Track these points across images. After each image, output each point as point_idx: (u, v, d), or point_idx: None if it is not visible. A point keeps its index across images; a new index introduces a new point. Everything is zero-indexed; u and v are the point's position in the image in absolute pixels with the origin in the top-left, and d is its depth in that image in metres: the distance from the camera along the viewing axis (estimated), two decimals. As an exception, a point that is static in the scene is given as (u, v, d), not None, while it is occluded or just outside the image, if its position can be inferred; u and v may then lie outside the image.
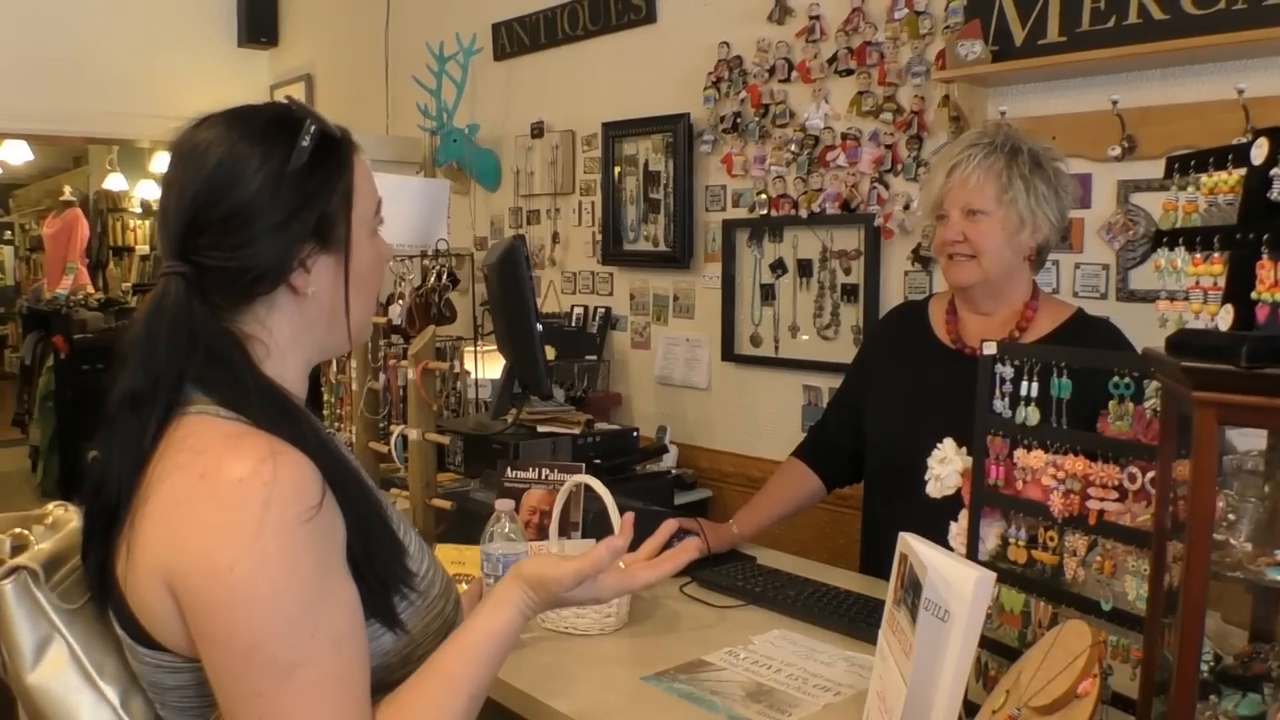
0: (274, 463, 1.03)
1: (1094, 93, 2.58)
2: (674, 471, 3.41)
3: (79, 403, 7.14)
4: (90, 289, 9.44)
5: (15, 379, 9.49)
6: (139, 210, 10.65)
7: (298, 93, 5.94)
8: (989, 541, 1.41)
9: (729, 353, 3.49)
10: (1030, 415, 1.32)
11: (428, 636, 1.23)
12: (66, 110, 5.81)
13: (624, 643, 1.80)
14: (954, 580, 1.18)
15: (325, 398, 2.62)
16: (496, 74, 4.42)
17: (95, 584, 1.16)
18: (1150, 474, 1.20)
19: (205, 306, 1.12)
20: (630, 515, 1.33)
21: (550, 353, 3.79)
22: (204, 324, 1.12)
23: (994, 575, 1.17)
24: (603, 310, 3.92)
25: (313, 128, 1.15)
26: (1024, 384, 1.32)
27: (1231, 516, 0.97)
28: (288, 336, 1.19)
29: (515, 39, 4.28)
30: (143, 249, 10.66)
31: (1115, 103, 2.48)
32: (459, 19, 4.46)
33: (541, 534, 2.01)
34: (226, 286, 1.14)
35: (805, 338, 3.27)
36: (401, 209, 2.65)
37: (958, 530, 1.45)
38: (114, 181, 9.97)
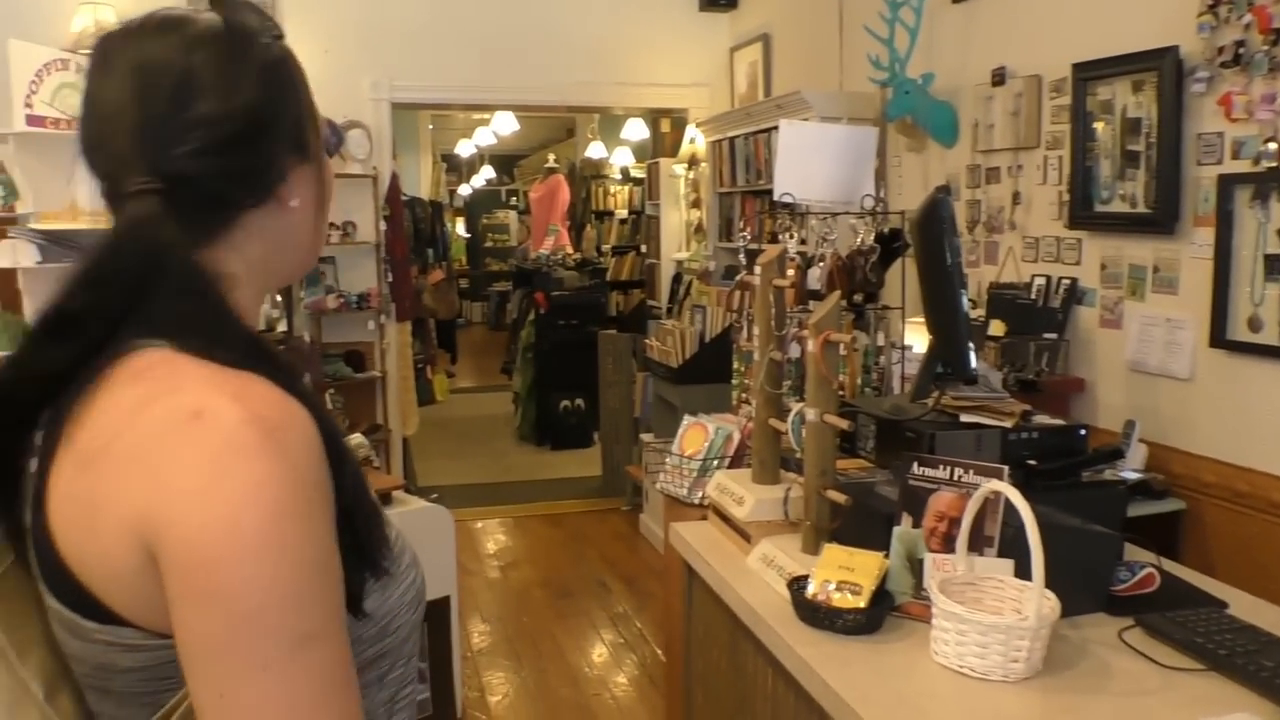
0: (280, 409, 0.87)
1: None
2: (1138, 476, 2.90)
3: (554, 354, 7.77)
4: (569, 249, 10.15)
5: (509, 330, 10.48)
6: (618, 176, 11.29)
7: (755, 53, 5.92)
8: None
9: (1219, 338, 2.90)
10: None
11: (403, 607, 1.02)
12: (544, 82, 6.34)
13: (1031, 698, 1.44)
14: None
15: (735, 365, 2.43)
16: (954, 17, 4.04)
17: (17, 549, 0.96)
18: None
19: (184, 233, 0.94)
20: None
21: (1000, 328, 3.40)
22: (181, 254, 0.93)
23: None
24: (1068, 282, 3.47)
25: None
26: None
27: None
28: (252, 262, 1.00)
29: (979, -24, 3.87)
30: (621, 213, 11.29)
31: None
32: (918, -40, 4.10)
33: (948, 544, 1.69)
34: (207, 204, 0.96)
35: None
36: (824, 161, 2.39)
37: None
38: (595, 149, 10.66)
